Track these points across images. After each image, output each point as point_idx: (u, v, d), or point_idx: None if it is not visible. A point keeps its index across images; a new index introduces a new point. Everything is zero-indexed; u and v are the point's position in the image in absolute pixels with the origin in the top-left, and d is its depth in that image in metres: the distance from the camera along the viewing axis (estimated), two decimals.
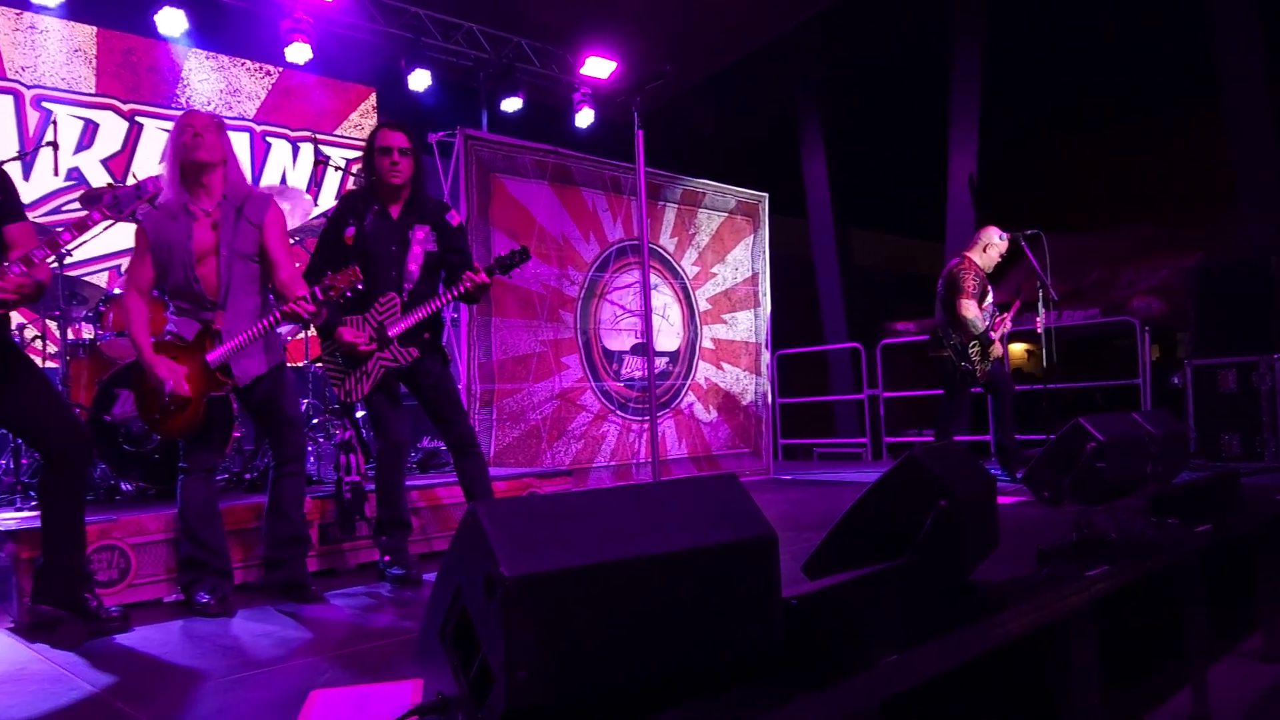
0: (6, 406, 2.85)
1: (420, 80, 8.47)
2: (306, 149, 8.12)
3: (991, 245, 6.04)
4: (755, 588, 1.75)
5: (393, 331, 3.59)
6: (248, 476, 4.49)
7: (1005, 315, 6.02)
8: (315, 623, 3.10)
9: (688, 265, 7.36)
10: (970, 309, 5.79)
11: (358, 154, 8.42)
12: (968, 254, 6.04)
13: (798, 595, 1.87)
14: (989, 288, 5.99)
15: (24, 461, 4.22)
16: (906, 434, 9.97)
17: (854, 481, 6.93)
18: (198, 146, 3.16)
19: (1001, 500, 4.33)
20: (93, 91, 7.01)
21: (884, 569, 2.09)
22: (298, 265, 3.46)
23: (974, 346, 5.83)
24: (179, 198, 3.20)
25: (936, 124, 10.84)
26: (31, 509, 3.85)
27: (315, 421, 5.07)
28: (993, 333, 5.87)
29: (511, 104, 9.30)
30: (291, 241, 4.23)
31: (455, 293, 3.62)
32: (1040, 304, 5.99)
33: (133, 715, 2.17)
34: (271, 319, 3.20)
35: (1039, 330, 6.05)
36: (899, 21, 11.52)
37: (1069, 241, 10.58)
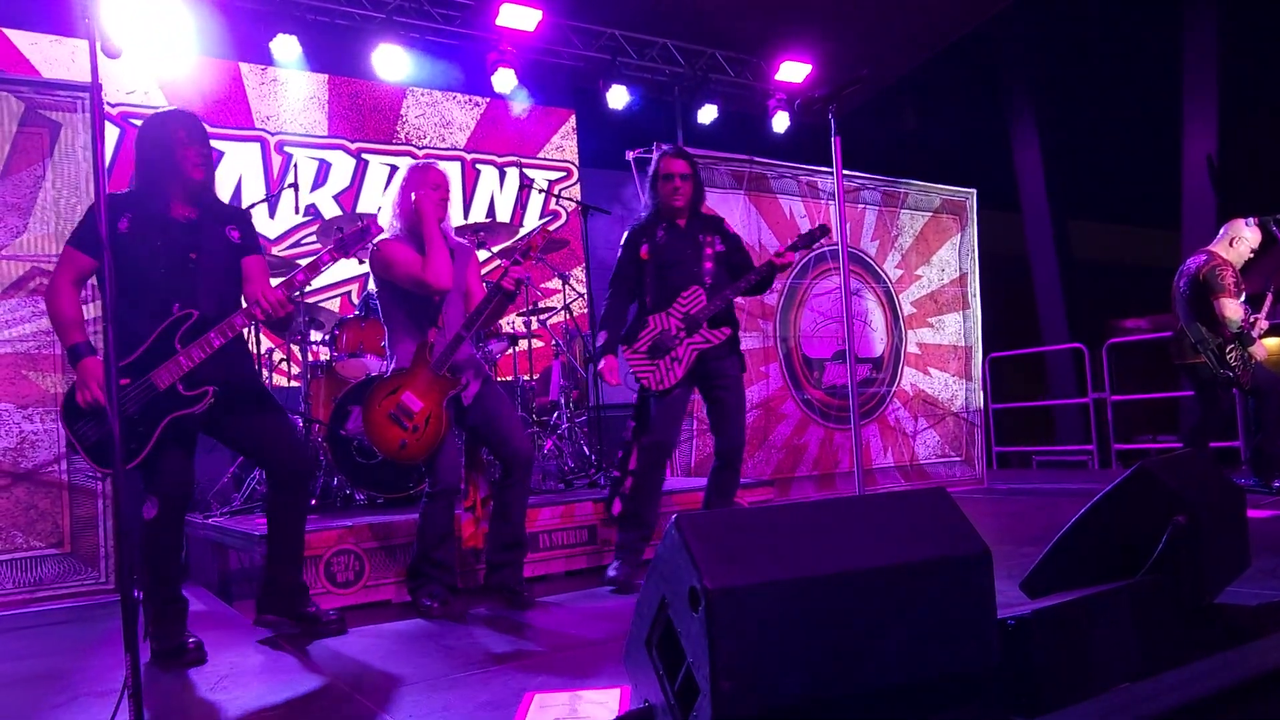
0: (241, 430, 3.12)
1: (618, 98, 8.71)
2: (512, 174, 8.53)
3: (1241, 239, 5.52)
4: (967, 607, 1.68)
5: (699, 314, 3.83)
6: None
7: (1259, 314, 5.47)
8: (530, 626, 3.24)
9: (890, 268, 7.15)
10: (1231, 307, 5.31)
11: (560, 175, 8.78)
12: (1214, 250, 5.54)
13: (1015, 616, 1.77)
14: (1241, 283, 5.47)
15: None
16: (1139, 440, 9.22)
17: (1077, 492, 6.48)
18: (443, 204, 3.56)
19: (1254, 514, 3.93)
20: (325, 134, 7.68)
21: (1114, 589, 1.95)
22: None
23: (1233, 350, 5.33)
24: (406, 239, 3.53)
25: (1167, 100, 9.98)
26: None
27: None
28: (1252, 331, 5.36)
29: (707, 114, 9.38)
30: None
31: (749, 280, 3.88)
32: None
33: (365, 704, 2.35)
34: (476, 316, 3.50)
35: None
36: None
37: None
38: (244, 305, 3.08)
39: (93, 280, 3.19)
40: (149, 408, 2.87)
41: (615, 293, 4.01)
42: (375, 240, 3.48)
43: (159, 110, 3.16)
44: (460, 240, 3.76)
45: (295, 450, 3.20)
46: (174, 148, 2.97)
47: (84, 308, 4.18)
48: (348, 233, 3.17)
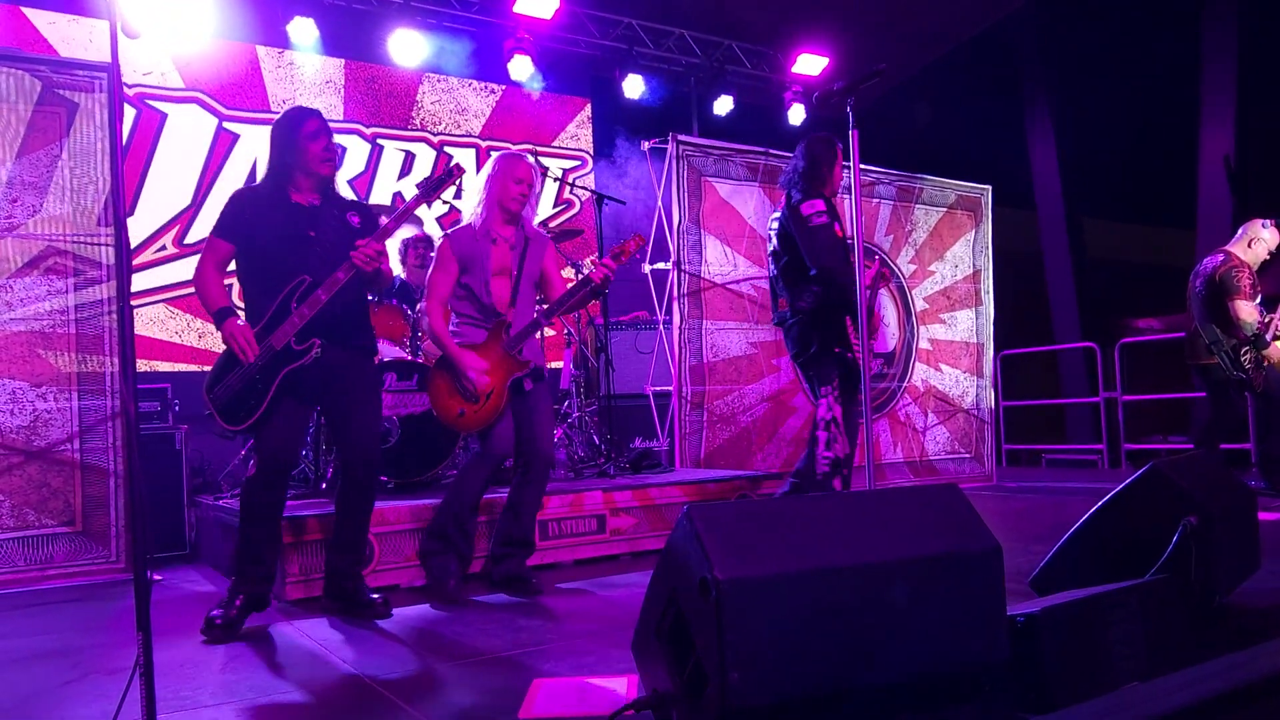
0: (337, 399, 3.26)
1: (634, 88, 8.69)
2: None
3: (1258, 240, 5.49)
4: (977, 602, 1.68)
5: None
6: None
7: (1274, 314, 5.44)
8: (538, 614, 3.25)
9: (904, 264, 7.13)
10: (1246, 310, 5.28)
11: (574, 164, 8.77)
12: (1231, 250, 5.50)
13: (1024, 612, 1.77)
14: (1258, 285, 5.44)
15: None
16: (1150, 440, 9.17)
17: (1087, 491, 6.46)
18: (526, 199, 3.66)
19: (1265, 516, 3.91)
20: (340, 118, 7.68)
21: (1124, 588, 1.94)
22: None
23: (1247, 352, 5.30)
24: (484, 226, 3.63)
25: (1185, 99, 9.90)
26: (292, 498, 4.27)
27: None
28: (1266, 334, 5.33)
29: (723, 105, 9.35)
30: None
31: None
32: None
33: (372, 687, 2.37)
34: (559, 306, 3.66)
35: None
36: None
37: None
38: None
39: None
40: (268, 367, 3.07)
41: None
42: (448, 230, 3.68)
43: (289, 108, 3.33)
44: (538, 230, 3.82)
45: (375, 440, 3.37)
46: (301, 142, 3.16)
47: (76, 295, 4.27)
48: (433, 177, 3.35)
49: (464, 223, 3.69)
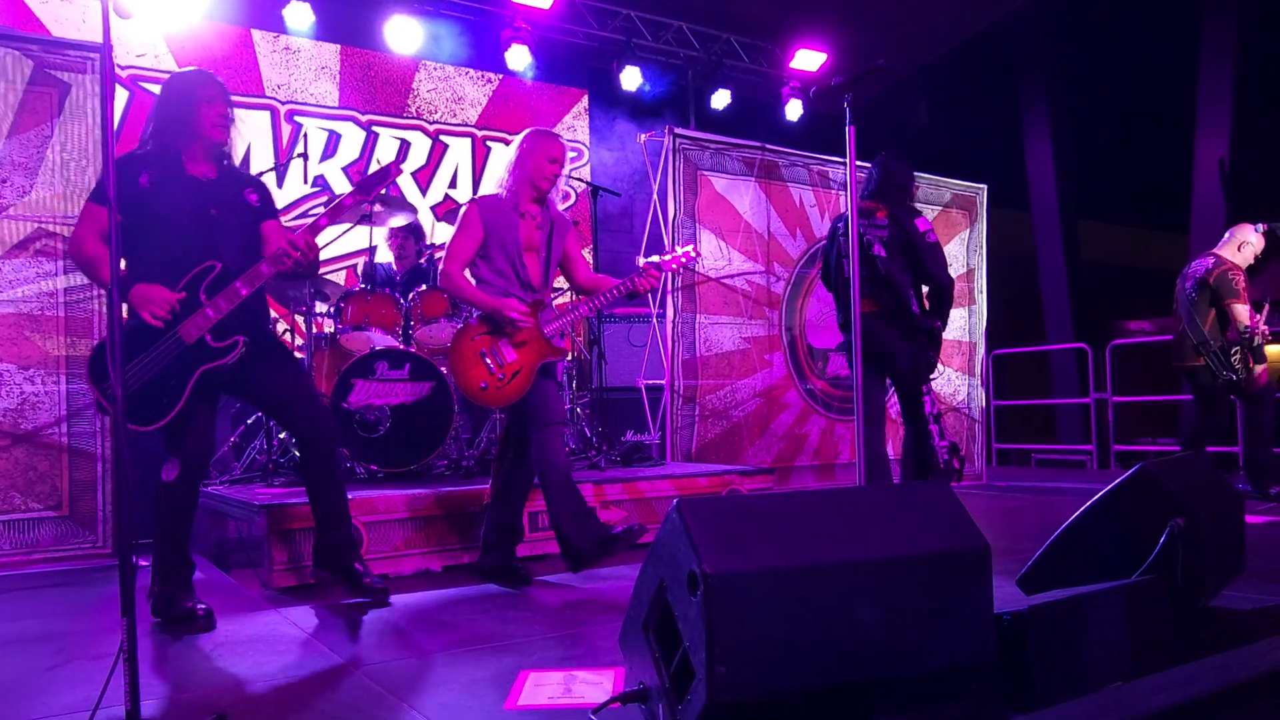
0: (267, 385, 3.11)
1: (631, 80, 8.66)
2: None
3: (1247, 244, 5.51)
4: (965, 601, 1.68)
5: None
6: (464, 464, 4.76)
7: (1259, 316, 5.46)
8: (526, 605, 3.25)
9: None
10: (1245, 313, 5.30)
11: (570, 155, 8.73)
12: (1221, 253, 5.52)
13: (1012, 611, 1.77)
14: (1247, 288, 5.47)
15: (274, 444, 4.67)
16: (1139, 442, 9.22)
17: (1076, 491, 6.48)
18: (557, 180, 3.62)
19: (1251, 519, 3.93)
20: (335, 104, 7.64)
21: (1110, 588, 1.95)
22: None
23: (1236, 353, 5.32)
24: (513, 199, 3.57)
25: (1181, 104, 9.92)
26: (280, 485, 4.27)
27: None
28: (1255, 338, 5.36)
29: (720, 99, 9.33)
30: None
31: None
32: None
33: (359, 676, 2.36)
34: (602, 299, 3.59)
35: None
36: None
37: None
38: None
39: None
40: (178, 362, 2.86)
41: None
42: (476, 196, 3.62)
43: (182, 71, 3.17)
44: (561, 213, 3.76)
45: (318, 409, 3.21)
46: (196, 105, 2.97)
47: (65, 278, 4.20)
48: (370, 174, 3.17)
49: (489, 194, 3.63)
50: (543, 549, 4.13)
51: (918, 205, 4.62)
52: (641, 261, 3.65)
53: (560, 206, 3.81)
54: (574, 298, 3.83)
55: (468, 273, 3.58)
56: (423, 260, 5.61)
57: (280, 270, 2.94)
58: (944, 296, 4.35)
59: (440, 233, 7.29)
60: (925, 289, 4.41)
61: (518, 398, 3.46)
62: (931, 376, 4.47)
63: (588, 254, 5.27)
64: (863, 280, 4.23)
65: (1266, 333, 5.46)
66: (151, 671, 2.45)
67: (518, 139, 3.66)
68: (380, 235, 5.53)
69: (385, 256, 5.74)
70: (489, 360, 3.45)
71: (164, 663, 2.57)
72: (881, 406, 4.60)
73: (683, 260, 3.72)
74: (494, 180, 3.68)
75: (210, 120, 2.99)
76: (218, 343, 2.91)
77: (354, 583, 3.20)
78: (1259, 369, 5.39)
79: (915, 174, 4.58)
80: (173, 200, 2.92)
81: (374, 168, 7.35)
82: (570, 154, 8.64)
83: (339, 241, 5.72)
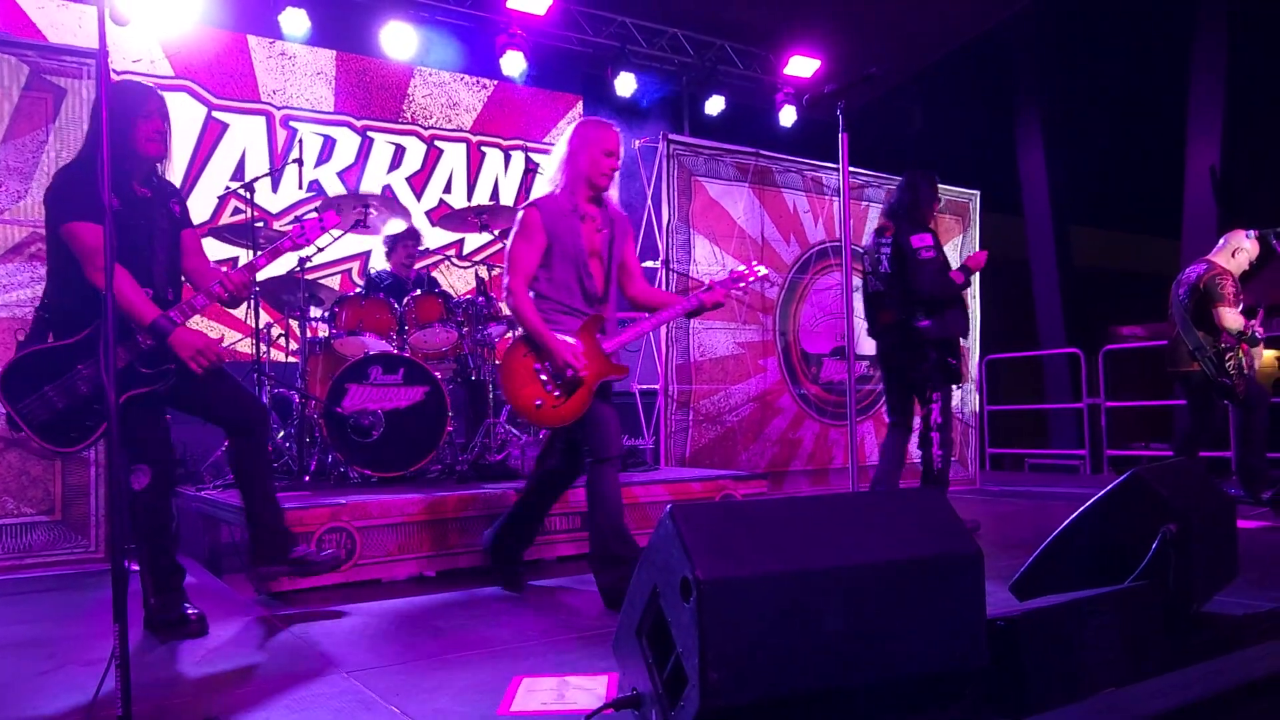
0: (195, 397, 3.06)
1: (625, 86, 8.68)
2: (517, 157, 8.51)
3: (1241, 250, 5.53)
4: (958, 606, 1.69)
5: None
6: (459, 469, 4.76)
7: (1253, 321, 5.48)
8: (520, 611, 3.24)
9: None
10: (1232, 316, 5.32)
11: None
12: (1214, 259, 5.55)
13: (1004, 616, 1.78)
14: (1240, 293, 5.49)
15: (268, 448, 4.66)
16: (1132, 447, 9.24)
17: (1069, 496, 6.50)
18: (614, 175, 3.35)
19: (1243, 525, 3.94)
20: (331, 110, 7.64)
21: (1102, 594, 1.96)
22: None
23: (1230, 357, 5.34)
24: (570, 200, 3.29)
25: (1173, 110, 9.97)
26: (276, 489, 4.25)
27: None
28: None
29: (714, 105, 9.35)
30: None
31: None
32: None
33: (353, 683, 2.36)
34: (669, 314, 3.41)
35: None
36: None
37: None
38: (187, 280, 3.09)
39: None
40: (102, 390, 2.77)
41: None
42: (534, 199, 3.33)
43: (118, 82, 3.09)
44: (621, 211, 3.49)
45: (243, 401, 3.18)
46: (139, 119, 2.88)
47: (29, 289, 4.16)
48: (309, 221, 3.13)
49: (546, 194, 3.32)
50: (535, 554, 4.13)
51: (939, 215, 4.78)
52: (712, 279, 3.50)
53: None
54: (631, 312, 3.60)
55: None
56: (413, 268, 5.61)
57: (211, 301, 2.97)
58: (931, 306, 4.51)
59: (435, 237, 7.30)
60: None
61: (574, 418, 3.21)
62: (956, 386, 4.68)
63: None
64: (881, 294, 4.71)
65: (1261, 333, 5.48)
66: (144, 676, 2.44)
67: (568, 132, 3.38)
68: (375, 241, 5.52)
69: (379, 262, 5.74)
70: (544, 377, 3.19)
71: (156, 668, 2.56)
72: (906, 414, 4.76)
73: (750, 279, 3.54)
74: (546, 179, 3.40)
75: (145, 135, 2.90)
76: (147, 369, 2.87)
77: (308, 566, 3.16)
78: (1255, 358, 5.41)
79: (938, 189, 4.76)
80: (130, 221, 2.86)
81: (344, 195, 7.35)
82: None
83: (334, 247, 5.72)
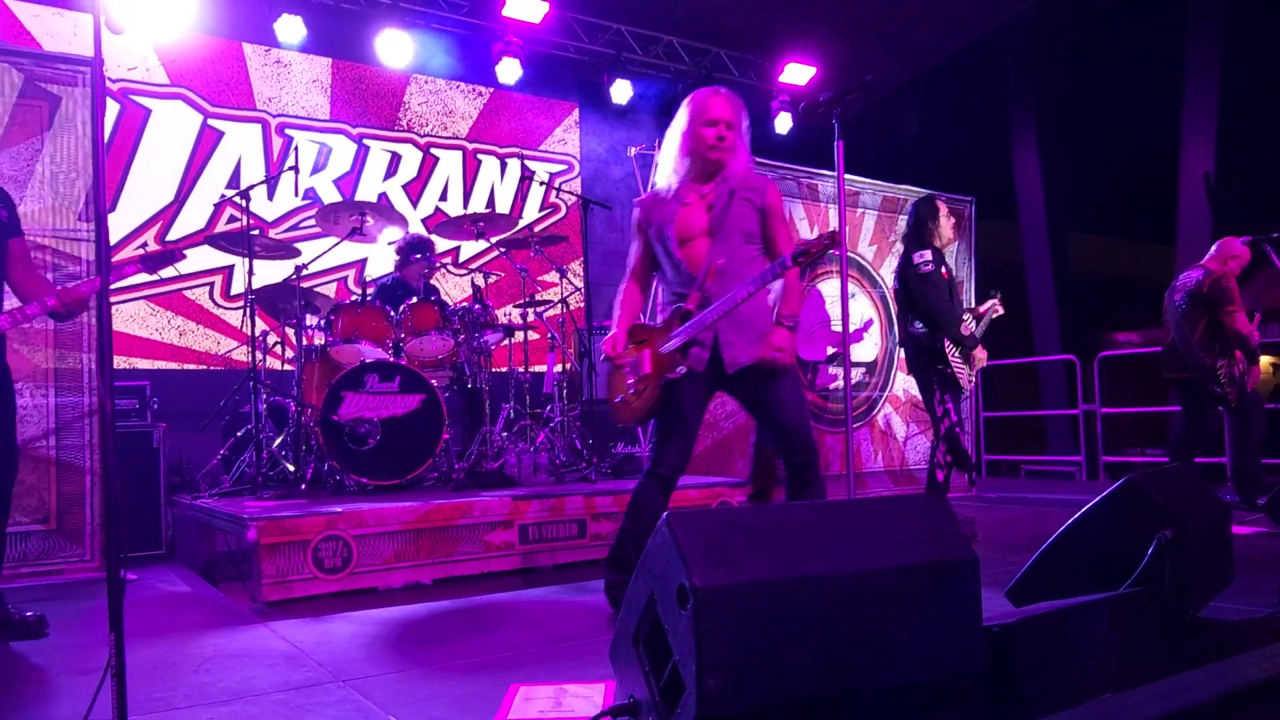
0: None
1: (621, 93, 8.70)
2: (513, 165, 8.51)
3: (1234, 258, 5.56)
4: (954, 612, 1.69)
5: None
6: (455, 476, 4.75)
7: (1250, 325, 5.50)
8: (517, 618, 3.24)
9: (887, 274, 7.16)
10: (1243, 321, 5.34)
11: (561, 168, 8.76)
12: (1209, 265, 5.57)
13: (1000, 623, 1.78)
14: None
15: (264, 455, 4.66)
16: (1128, 453, 9.26)
17: (1065, 502, 6.50)
18: (725, 141, 3.04)
19: (1238, 530, 3.95)
20: (327, 117, 7.65)
21: (1099, 600, 1.96)
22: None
23: (1222, 367, 5.36)
24: (676, 188, 3.13)
25: (1167, 117, 10.01)
26: (270, 498, 4.24)
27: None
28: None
29: None
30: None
31: None
32: None
33: (349, 692, 2.35)
34: (745, 293, 2.91)
35: None
36: (1125, 3, 10.73)
37: None
38: (12, 290, 3.09)
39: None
40: None
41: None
42: (645, 193, 3.22)
43: None
44: (752, 174, 3.14)
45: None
46: None
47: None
48: (154, 252, 3.15)
49: (654, 190, 3.19)
50: (533, 562, 4.13)
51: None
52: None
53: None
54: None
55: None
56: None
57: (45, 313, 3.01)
58: (928, 319, 4.74)
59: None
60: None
61: (645, 414, 3.09)
62: (963, 394, 4.88)
63: (559, 275, 5.27)
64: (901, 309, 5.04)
65: (1257, 338, 5.50)
66: (139, 686, 2.44)
67: (680, 113, 3.13)
68: (375, 250, 5.51)
69: (384, 269, 5.73)
70: (628, 371, 3.12)
71: (151, 677, 2.55)
72: (934, 420, 4.94)
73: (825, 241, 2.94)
74: (662, 175, 3.21)
75: None
76: None
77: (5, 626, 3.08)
78: (1252, 369, 5.43)
79: (943, 211, 4.89)
80: None
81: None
82: (560, 166, 8.73)
83: (331, 255, 5.69)
